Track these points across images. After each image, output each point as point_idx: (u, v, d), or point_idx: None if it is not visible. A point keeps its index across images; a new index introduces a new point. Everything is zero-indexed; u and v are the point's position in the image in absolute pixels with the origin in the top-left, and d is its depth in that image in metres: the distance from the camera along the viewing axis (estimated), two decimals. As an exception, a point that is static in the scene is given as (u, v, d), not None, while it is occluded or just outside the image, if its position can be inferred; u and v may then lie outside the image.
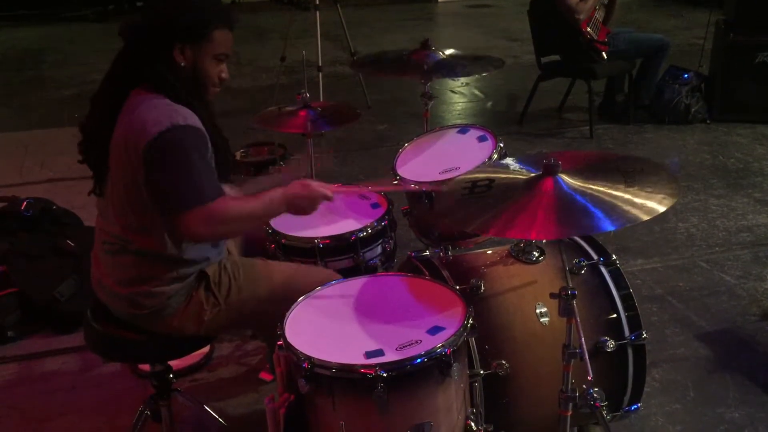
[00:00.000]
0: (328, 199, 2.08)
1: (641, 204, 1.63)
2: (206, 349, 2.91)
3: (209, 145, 1.95)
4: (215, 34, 1.97)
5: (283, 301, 1.97)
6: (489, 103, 6.29)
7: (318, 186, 2.07)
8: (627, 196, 1.67)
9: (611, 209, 1.61)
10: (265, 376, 2.80)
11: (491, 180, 1.89)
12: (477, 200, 1.80)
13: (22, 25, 9.91)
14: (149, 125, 1.85)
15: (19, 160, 5.12)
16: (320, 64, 5.55)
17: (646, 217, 1.59)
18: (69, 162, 4.80)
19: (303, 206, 2.06)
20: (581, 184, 1.72)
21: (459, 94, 6.51)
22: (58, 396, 2.80)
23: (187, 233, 1.90)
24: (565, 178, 1.74)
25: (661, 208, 1.61)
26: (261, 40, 8.59)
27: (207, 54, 1.98)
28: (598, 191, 1.69)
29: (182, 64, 1.96)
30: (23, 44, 8.86)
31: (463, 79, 6.72)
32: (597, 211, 1.61)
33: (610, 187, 1.70)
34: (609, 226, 1.57)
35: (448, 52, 2.95)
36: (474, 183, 1.89)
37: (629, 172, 1.79)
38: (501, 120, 5.76)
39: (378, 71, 3.32)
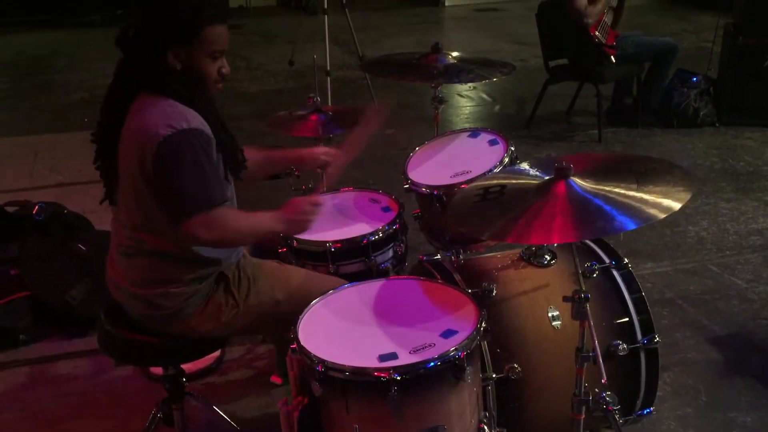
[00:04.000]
0: (318, 205, 2.10)
1: (656, 202, 1.63)
2: (217, 352, 2.91)
3: (214, 146, 1.96)
4: (206, 33, 1.95)
5: (299, 304, 1.98)
6: (497, 107, 6.29)
7: (306, 201, 2.09)
8: (641, 195, 1.67)
9: (627, 209, 1.62)
10: (276, 379, 2.81)
11: (503, 186, 1.89)
12: (490, 207, 1.81)
13: (31, 30, 9.95)
14: (151, 131, 1.86)
15: (29, 165, 5.14)
16: (328, 69, 5.56)
17: (662, 215, 1.60)
18: (79, 166, 4.89)
19: (298, 223, 2.08)
20: (594, 186, 1.73)
21: (466, 98, 6.51)
22: (71, 399, 2.81)
23: (188, 238, 1.91)
24: (578, 180, 1.75)
25: (677, 205, 1.62)
26: (269, 45, 8.61)
27: (201, 54, 1.96)
28: (612, 192, 1.69)
29: (178, 67, 1.96)
30: (32, 49, 8.90)
31: (469, 83, 6.72)
32: (613, 212, 1.61)
33: (624, 188, 1.71)
34: (627, 226, 1.57)
35: (459, 56, 2.95)
36: (486, 189, 1.89)
37: (641, 173, 1.80)
38: (509, 123, 5.75)
39: (387, 74, 3.32)
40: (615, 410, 1.92)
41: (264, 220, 2.05)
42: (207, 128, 1.95)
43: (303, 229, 2.11)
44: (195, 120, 1.92)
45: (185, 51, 1.95)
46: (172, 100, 1.92)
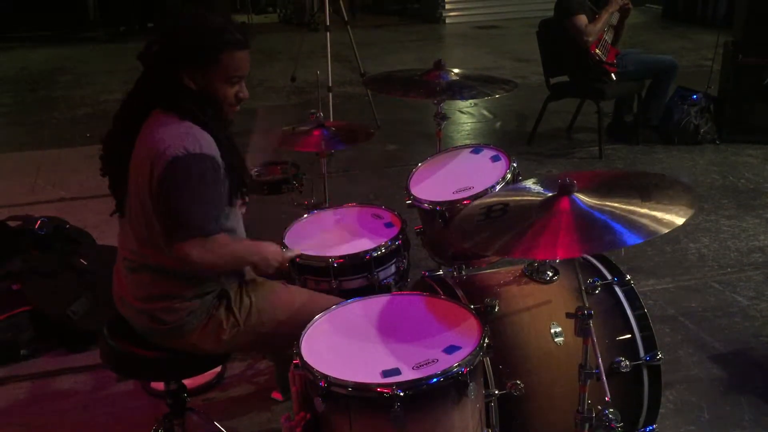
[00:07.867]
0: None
1: (660, 217, 1.65)
2: (219, 368, 2.91)
3: (221, 172, 1.97)
4: (223, 58, 1.97)
5: (300, 325, 1.97)
6: (498, 123, 6.31)
7: (283, 258, 2.16)
8: (644, 210, 1.68)
9: (631, 224, 1.63)
10: (277, 395, 2.80)
11: (505, 204, 1.90)
12: (494, 224, 1.82)
13: (35, 46, 10.02)
14: (164, 149, 1.88)
15: (31, 179, 5.16)
16: (330, 85, 5.59)
17: (666, 230, 1.61)
18: (81, 181, 4.91)
19: (266, 266, 2.11)
20: (598, 202, 1.73)
21: (468, 114, 6.54)
22: (71, 414, 2.80)
23: (182, 259, 1.92)
24: (581, 196, 1.75)
25: (681, 220, 1.63)
26: (270, 61, 8.66)
27: (218, 78, 1.98)
28: (616, 207, 1.70)
29: (192, 88, 1.97)
30: (37, 65, 8.95)
31: (471, 100, 6.75)
32: (618, 226, 1.62)
33: (627, 203, 1.72)
34: (632, 240, 1.58)
35: (462, 73, 2.96)
36: (489, 208, 1.90)
37: (644, 188, 1.81)
38: (510, 140, 5.77)
39: (389, 91, 3.32)
40: (618, 428, 1.91)
41: (247, 249, 2.09)
42: (218, 154, 1.95)
43: (267, 272, 2.14)
44: (208, 145, 1.93)
45: (200, 73, 1.97)
46: (188, 121, 1.93)
